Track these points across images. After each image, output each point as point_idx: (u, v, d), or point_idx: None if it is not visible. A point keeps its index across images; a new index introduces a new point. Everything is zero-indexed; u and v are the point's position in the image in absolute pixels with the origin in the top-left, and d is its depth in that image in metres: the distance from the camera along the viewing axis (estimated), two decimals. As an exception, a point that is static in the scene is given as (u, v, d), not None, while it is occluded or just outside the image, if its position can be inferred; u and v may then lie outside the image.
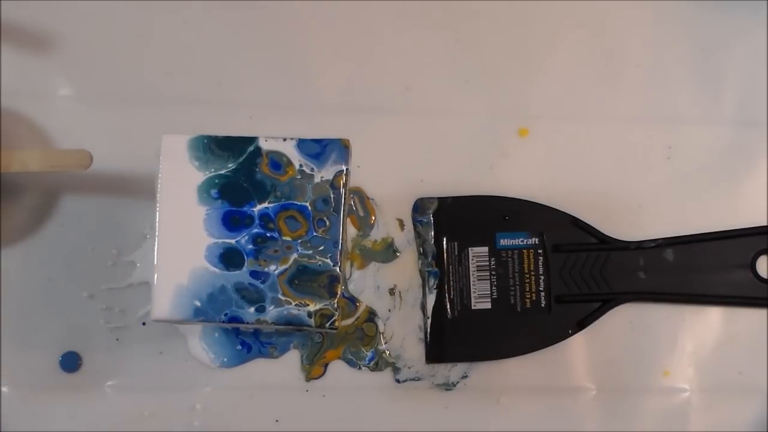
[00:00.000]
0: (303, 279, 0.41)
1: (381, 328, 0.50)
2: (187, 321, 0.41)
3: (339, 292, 0.41)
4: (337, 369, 0.49)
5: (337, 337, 0.49)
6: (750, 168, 0.52)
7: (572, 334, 0.50)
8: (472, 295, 0.50)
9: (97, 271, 0.49)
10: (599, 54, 0.52)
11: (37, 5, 0.50)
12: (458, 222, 0.50)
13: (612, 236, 0.51)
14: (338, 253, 0.41)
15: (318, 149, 0.41)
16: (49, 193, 0.49)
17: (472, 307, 0.50)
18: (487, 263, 0.50)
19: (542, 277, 0.50)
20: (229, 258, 0.41)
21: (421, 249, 0.50)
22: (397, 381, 0.50)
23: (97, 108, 0.50)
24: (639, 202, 0.51)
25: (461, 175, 0.51)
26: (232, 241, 0.41)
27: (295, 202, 0.41)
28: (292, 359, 0.49)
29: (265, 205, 0.41)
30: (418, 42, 0.52)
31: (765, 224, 0.51)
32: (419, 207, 0.50)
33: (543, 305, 0.50)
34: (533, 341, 0.49)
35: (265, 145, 0.41)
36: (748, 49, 0.53)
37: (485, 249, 0.50)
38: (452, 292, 0.50)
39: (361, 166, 0.49)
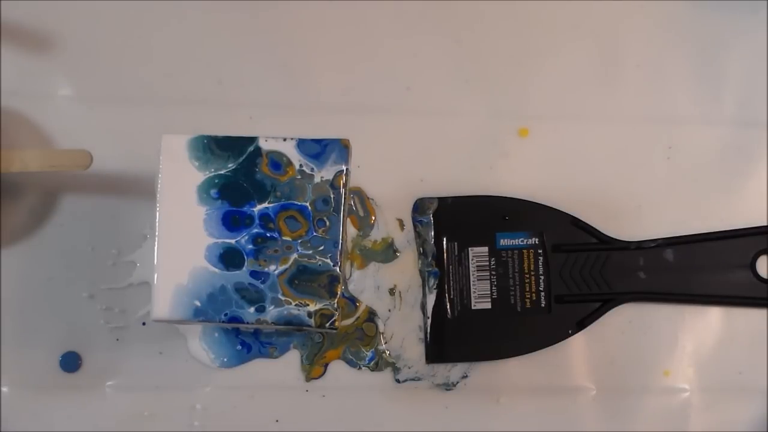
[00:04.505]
0: (303, 279, 0.41)
1: (381, 328, 0.50)
2: (187, 321, 0.41)
3: (339, 292, 0.41)
4: (337, 369, 0.49)
5: (337, 337, 0.49)
6: (750, 168, 0.52)
7: (572, 334, 0.50)
8: (472, 295, 0.50)
9: (97, 271, 0.49)
10: (599, 54, 0.52)
11: (37, 5, 0.50)
12: (458, 222, 0.50)
13: (612, 236, 0.50)
14: (338, 253, 0.41)
15: (318, 149, 0.41)
16: (49, 193, 0.49)
17: (472, 307, 0.50)
18: (487, 263, 0.50)
19: (542, 277, 0.50)
20: (229, 258, 0.41)
21: (421, 249, 0.50)
22: (397, 381, 0.50)
23: (97, 108, 0.50)
24: (639, 202, 0.51)
25: (461, 175, 0.51)
26: (232, 241, 0.41)
27: (295, 202, 0.41)
28: (292, 359, 0.49)
29: (265, 205, 0.41)
30: (418, 42, 0.52)
31: (765, 224, 0.51)
32: (419, 207, 0.50)
33: (543, 305, 0.50)
34: (533, 341, 0.49)
35: (265, 145, 0.41)
36: (748, 49, 0.53)
37: (485, 249, 0.50)
38: (452, 292, 0.50)
39: (361, 166, 0.49)
